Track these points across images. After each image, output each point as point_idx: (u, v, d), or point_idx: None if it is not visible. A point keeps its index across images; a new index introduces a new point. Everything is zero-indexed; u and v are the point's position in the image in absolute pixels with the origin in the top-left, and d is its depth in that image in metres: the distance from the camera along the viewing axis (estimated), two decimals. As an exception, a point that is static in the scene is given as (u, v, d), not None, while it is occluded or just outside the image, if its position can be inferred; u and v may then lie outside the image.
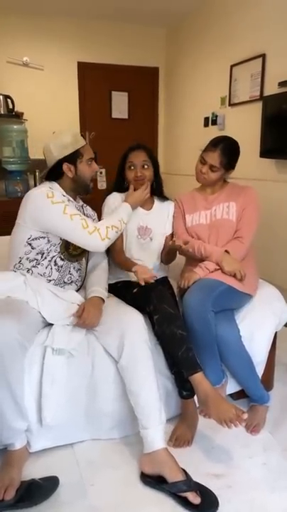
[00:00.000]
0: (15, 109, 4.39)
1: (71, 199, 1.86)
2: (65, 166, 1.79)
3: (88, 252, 1.97)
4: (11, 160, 3.96)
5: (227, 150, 1.99)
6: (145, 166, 2.03)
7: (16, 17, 4.55)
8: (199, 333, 1.77)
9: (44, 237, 1.78)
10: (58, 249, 1.82)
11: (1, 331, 1.43)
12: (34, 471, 1.59)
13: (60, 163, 1.80)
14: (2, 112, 4.31)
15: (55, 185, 1.84)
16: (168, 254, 2.09)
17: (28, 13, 4.56)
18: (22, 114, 4.43)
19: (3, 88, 4.40)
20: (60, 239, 1.80)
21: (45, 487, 1.51)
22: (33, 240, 1.77)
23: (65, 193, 1.84)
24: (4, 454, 1.59)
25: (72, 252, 1.86)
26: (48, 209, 1.71)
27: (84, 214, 1.92)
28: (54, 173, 1.83)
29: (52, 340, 1.64)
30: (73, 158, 1.80)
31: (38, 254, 1.79)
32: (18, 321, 1.50)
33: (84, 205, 2.02)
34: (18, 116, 4.40)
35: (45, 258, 1.81)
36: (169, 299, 1.79)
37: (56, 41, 4.77)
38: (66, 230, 1.74)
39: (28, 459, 1.64)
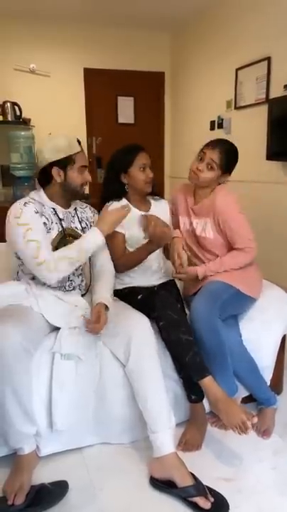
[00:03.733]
0: (23, 116, 4.44)
1: (56, 207, 1.77)
2: (55, 170, 1.71)
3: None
4: (19, 166, 3.99)
5: (228, 151, 1.93)
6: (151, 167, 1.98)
7: (23, 24, 4.61)
8: (209, 344, 1.75)
9: None
10: None
11: (4, 336, 1.44)
12: (44, 475, 1.59)
13: (50, 166, 1.72)
14: (10, 119, 4.36)
15: (40, 194, 1.77)
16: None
17: (34, 21, 4.61)
18: (29, 120, 4.48)
19: (10, 95, 4.45)
20: None
21: (54, 492, 1.51)
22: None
23: (46, 204, 1.75)
24: (14, 459, 1.59)
25: None
26: (12, 230, 1.66)
27: (78, 218, 1.85)
28: (44, 176, 1.76)
29: (60, 346, 1.65)
30: (64, 163, 1.71)
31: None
32: (21, 326, 1.51)
33: (81, 207, 1.92)
34: (25, 123, 4.44)
35: None
36: (173, 304, 1.79)
37: (62, 48, 4.82)
38: (22, 255, 1.69)
39: (38, 463, 1.64)
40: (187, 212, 2.07)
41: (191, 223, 2.05)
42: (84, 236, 1.75)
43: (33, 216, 1.68)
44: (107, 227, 1.76)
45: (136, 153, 1.95)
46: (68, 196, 1.81)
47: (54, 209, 1.78)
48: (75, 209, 1.88)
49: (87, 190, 1.99)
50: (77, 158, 1.73)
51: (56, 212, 1.78)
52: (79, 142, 1.77)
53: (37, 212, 1.70)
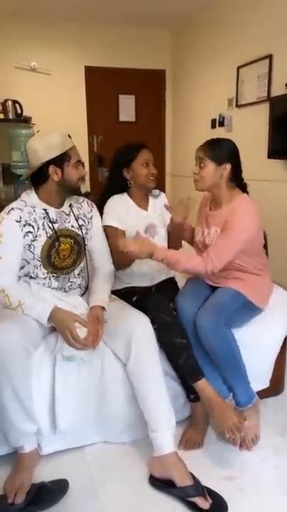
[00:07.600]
0: (24, 114, 4.42)
1: (48, 208, 1.72)
2: (51, 169, 1.66)
3: (85, 253, 1.87)
4: (20, 164, 3.98)
5: (211, 141, 1.86)
6: (155, 166, 1.98)
7: (23, 23, 4.60)
8: (224, 357, 1.71)
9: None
10: (45, 271, 1.74)
11: (3, 335, 1.44)
12: (45, 473, 1.60)
13: (45, 165, 1.66)
14: (11, 117, 4.35)
15: (31, 195, 1.72)
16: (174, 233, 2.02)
17: (35, 19, 4.59)
18: (30, 118, 4.47)
19: (11, 93, 4.44)
20: (39, 260, 1.70)
21: (55, 490, 1.51)
22: None
23: (36, 207, 1.70)
24: (15, 457, 1.60)
25: (59, 265, 1.76)
26: None
27: (74, 216, 1.80)
28: (38, 175, 1.70)
29: (62, 348, 1.64)
30: (60, 160, 1.66)
31: (25, 276, 1.74)
32: (20, 325, 1.51)
33: (78, 202, 1.85)
34: (26, 121, 4.43)
35: (38, 277, 1.74)
36: (166, 306, 1.78)
37: (63, 46, 4.81)
38: None
39: (39, 461, 1.64)
40: (201, 221, 2.00)
41: (204, 232, 1.94)
42: (38, 304, 1.62)
43: (11, 228, 1.63)
44: (56, 321, 1.61)
45: (139, 149, 1.96)
46: (65, 193, 1.76)
47: (45, 210, 1.72)
48: (70, 206, 1.82)
49: (88, 188, 1.98)
50: (72, 154, 1.70)
51: (48, 214, 1.73)
52: (69, 137, 1.74)
53: (19, 221, 1.65)
